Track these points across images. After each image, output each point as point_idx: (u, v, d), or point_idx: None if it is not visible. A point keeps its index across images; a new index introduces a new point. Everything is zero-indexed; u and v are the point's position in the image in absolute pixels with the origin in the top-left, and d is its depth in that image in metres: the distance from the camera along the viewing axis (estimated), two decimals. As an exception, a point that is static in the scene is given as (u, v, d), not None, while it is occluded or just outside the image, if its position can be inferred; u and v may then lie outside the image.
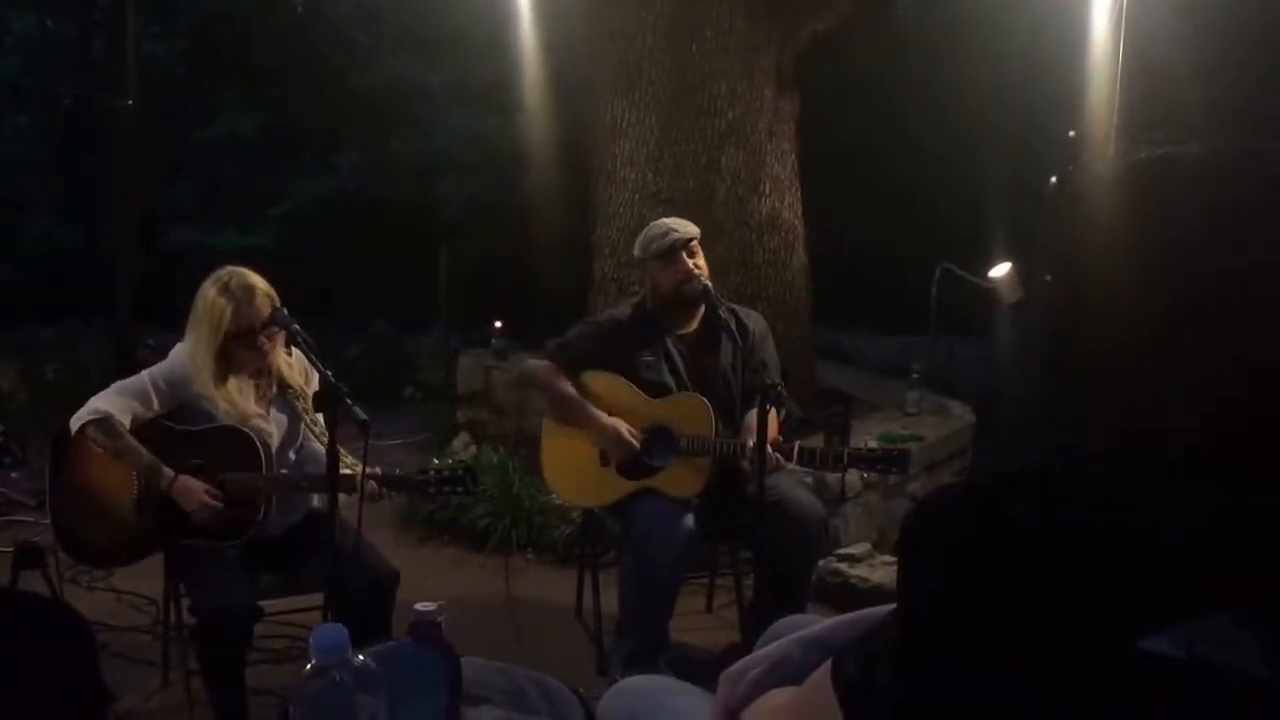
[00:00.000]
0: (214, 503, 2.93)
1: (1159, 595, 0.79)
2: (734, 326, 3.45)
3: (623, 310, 3.64)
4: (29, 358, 8.00)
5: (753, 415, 3.41)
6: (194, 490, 2.93)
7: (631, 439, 3.39)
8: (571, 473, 3.56)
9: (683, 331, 3.53)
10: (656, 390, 3.45)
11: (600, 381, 3.51)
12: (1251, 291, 0.78)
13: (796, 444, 3.26)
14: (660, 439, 3.40)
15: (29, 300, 8.76)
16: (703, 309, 3.52)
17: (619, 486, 3.43)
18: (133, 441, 2.95)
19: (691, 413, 3.39)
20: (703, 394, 3.43)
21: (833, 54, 6.29)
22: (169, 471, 2.94)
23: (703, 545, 3.48)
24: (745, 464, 3.29)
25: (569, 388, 3.49)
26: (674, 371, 3.48)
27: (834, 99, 7.36)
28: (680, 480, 3.36)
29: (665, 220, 3.54)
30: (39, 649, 1.21)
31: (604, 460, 3.46)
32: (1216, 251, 0.80)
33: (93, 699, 1.30)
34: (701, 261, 3.47)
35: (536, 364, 3.61)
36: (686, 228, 3.48)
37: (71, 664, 1.23)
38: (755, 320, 3.61)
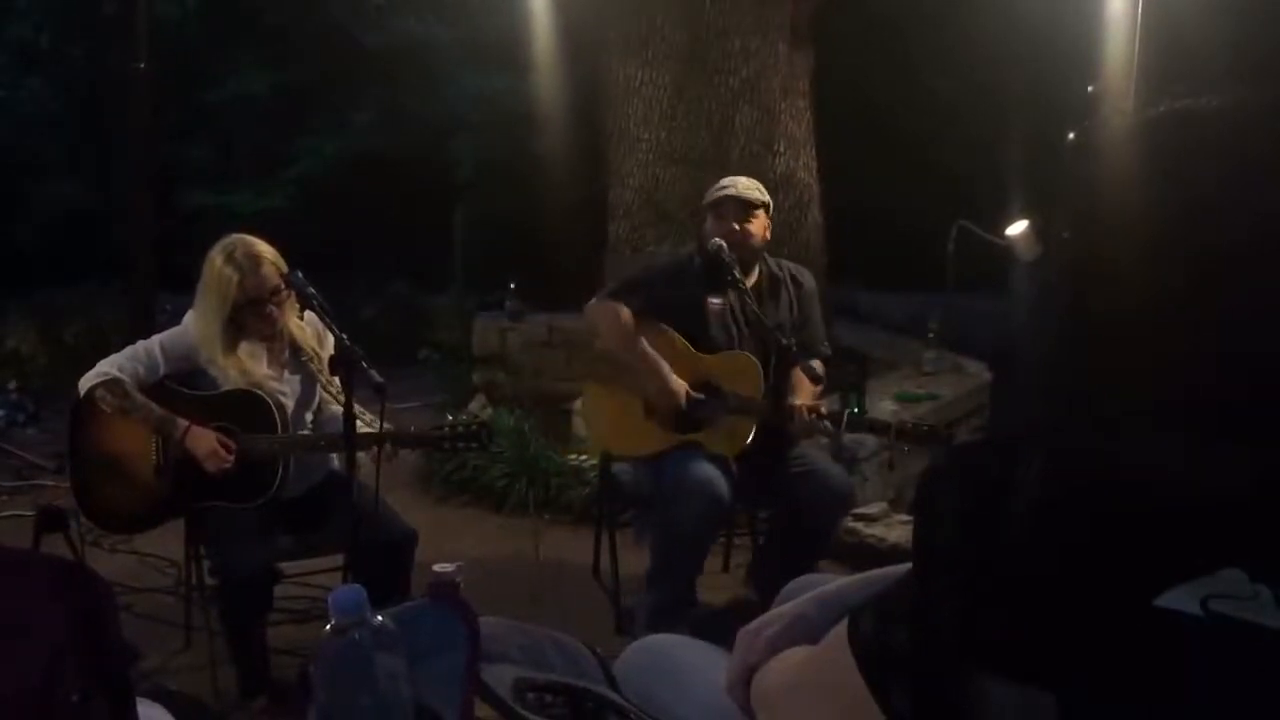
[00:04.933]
0: (225, 453, 2.94)
1: (1175, 552, 0.79)
2: (789, 283, 3.43)
3: (686, 255, 3.61)
4: (48, 321, 8.04)
5: (798, 372, 3.35)
6: (206, 437, 2.95)
7: (683, 397, 3.30)
8: (612, 420, 3.53)
9: (746, 283, 3.46)
10: (715, 341, 3.41)
11: (651, 333, 3.42)
12: (1274, 246, 0.77)
13: (847, 413, 3.24)
14: (709, 396, 3.34)
15: (47, 263, 8.78)
16: (758, 265, 3.48)
17: (661, 439, 3.38)
18: (142, 399, 2.97)
19: (742, 371, 3.35)
20: (764, 346, 3.38)
21: (848, 9, 6.22)
22: (182, 421, 2.96)
23: (734, 507, 3.45)
24: (793, 428, 3.27)
25: (639, 336, 3.37)
26: (736, 321, 3.43)
27: (849, 55, 7.28)
28: (723, 438, 3.33)
29: (737, 178, 3.48)
30: (60, 611, 1.22)
31: (649, 412, 3.40)
32: (1238, 206, 0.79)
33: (115, 660, 1.32)
34: (756, 228, 3.38)
35: (604, 305, 3.44)
36: (749, 192, 3.40)
37: (93, 626, 1.25)
38: (806, 277, 3.59)
